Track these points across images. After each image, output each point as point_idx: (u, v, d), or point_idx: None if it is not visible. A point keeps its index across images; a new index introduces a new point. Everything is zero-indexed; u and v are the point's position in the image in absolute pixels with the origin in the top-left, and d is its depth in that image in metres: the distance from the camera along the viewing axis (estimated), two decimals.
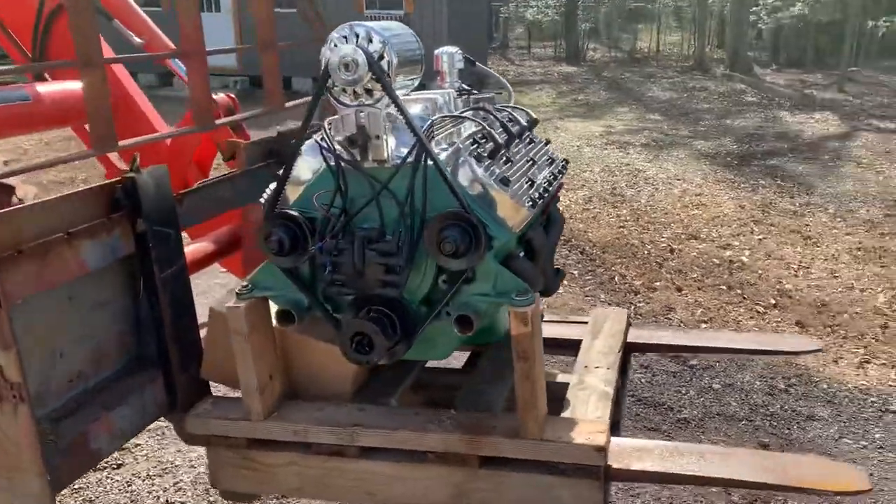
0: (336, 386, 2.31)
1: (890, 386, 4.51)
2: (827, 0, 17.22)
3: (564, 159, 2.51)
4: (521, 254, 2.08)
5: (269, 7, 2.75)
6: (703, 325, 5.44)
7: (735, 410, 4.24)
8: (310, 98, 3.18)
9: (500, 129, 2.19)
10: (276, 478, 2.21)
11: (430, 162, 1.89)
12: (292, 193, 2.13)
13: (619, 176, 9.68)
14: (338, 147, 1.94)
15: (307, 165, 2.14)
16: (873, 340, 5.17)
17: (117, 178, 2.16)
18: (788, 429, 4.06)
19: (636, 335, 2.73)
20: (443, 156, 1.94)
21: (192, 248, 2.71)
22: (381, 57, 1.88)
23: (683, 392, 4.45)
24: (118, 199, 2.12)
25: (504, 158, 2.08)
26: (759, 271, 6.51)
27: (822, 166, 10.30)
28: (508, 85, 2.77)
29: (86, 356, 2.15)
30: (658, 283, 6.23)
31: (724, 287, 6.16)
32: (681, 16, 25.29)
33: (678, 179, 9.57)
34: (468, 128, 2.21)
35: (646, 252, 6.98)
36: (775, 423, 4.11)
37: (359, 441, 2.08)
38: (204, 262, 2.78)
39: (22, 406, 1.80)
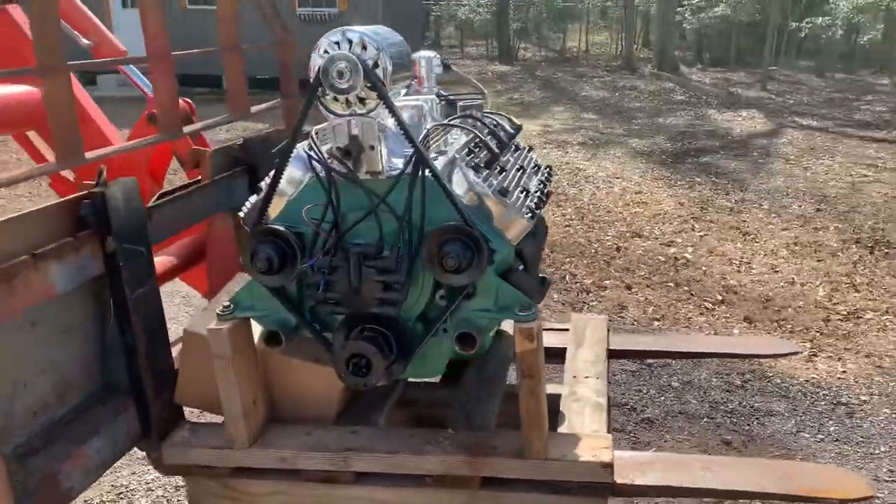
0: (321, 408, 2.20)
1: (839, 379, 4.65)
2: (748, 1, 17.76)
3: (548, 166, 2.47)
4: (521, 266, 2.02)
5: (232, 7, 2.61)
6: (656, 323, 5.51)
7: (696, 409, 4.29)
8: (274, 102, 3.09)
9: (490, 137, 2.13)
10: None
11: (427, 173, 1.81)
12: (273, 207, 2.02)
13: (560, 175, 9.75)
14: (328, 158, 1.84)
15: (288, 177, 2.03)
16: (818, 334, 5.33)
17: (82, 193, 2.00)
18: (749, 425, 4.13)
19: (617, 342, 2.71)
20: (437, 165, 1.87)
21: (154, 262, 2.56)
22: (376, 65, 1.78)
23: (644, 391, 4.48)
24: (84, 215, 1.97)
25: (498, 168, 2.01)
26: (704, 268, 6.64)
27: (752, 163, 10.62)
28: (484, 89, 2.71)
29: (50, 386, 2.00)
30: (608, 282, 6.29)
31: (672, 284, 6.26)
32: (607, 15, 25.74)
33: (617, 178, 9.71)
34: (456, 136, 2.14)
35: (593, 251, 7.04)
36: (736, 420, 4.18)
37: (353, 466, 1.98)
38: (165, 276, 2.63)
39: None
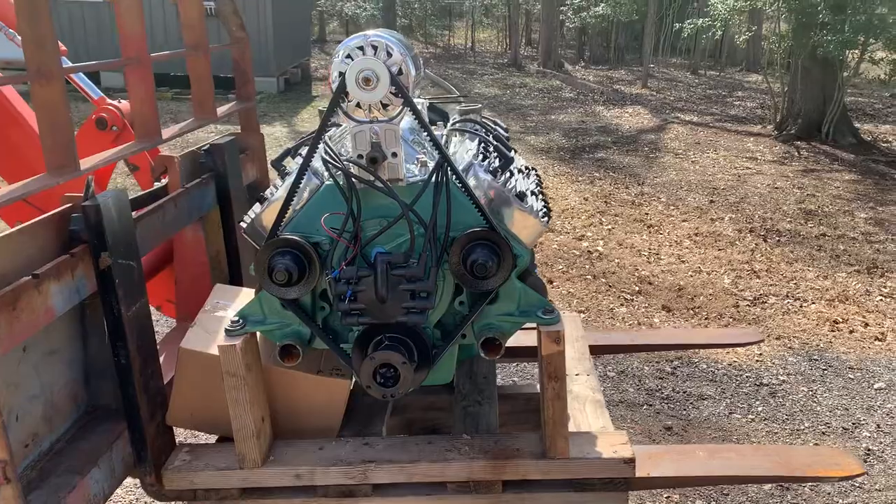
0: (324, 420, 2.15)
1: (757, 361, 4.96)
2: (626, 1, 18.52)
3: (533, 168, 2.50)
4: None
5: (199, 7, 2.48)
6: (583, 315, 5.68)
7: (634, 397, 4.47)
8: (232, 105, 2.96)
9: (495, 142, 2.13)
10: None
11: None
12: (268, 216, 1.95)
13: None
14: (348, 165, 1.79)
15: (285, 186, 1.97)
16: (731, 319, 5.66)
17: (68, 206, 1.86)
18: (685, 410, 4.34)
19: (592, 338, 2.78)
20: None
21: None
22: (400, 71, 1.76)
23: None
24: (77, 230, 1.83)
25: (510, 172, 2.02)
26: (616, 260, 6.90)
27: (644, 158, 11.11)
28: (457, 92, 2.71)
29: (40, 414, 1.85)
30: None
31: (590, 277, 6.47)
32: (492, 13, 26.17)
33: None
34: (461, 141, 2.14)
35: None
36: (673, 406, 4.38)
37: (372, 479, 1.95)
38: None
39: (7, 489, 1.50)
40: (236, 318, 1.91)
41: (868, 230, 7.80)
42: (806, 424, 4.20)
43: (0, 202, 1.56)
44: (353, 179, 1.78)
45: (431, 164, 1.88)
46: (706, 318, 5.66)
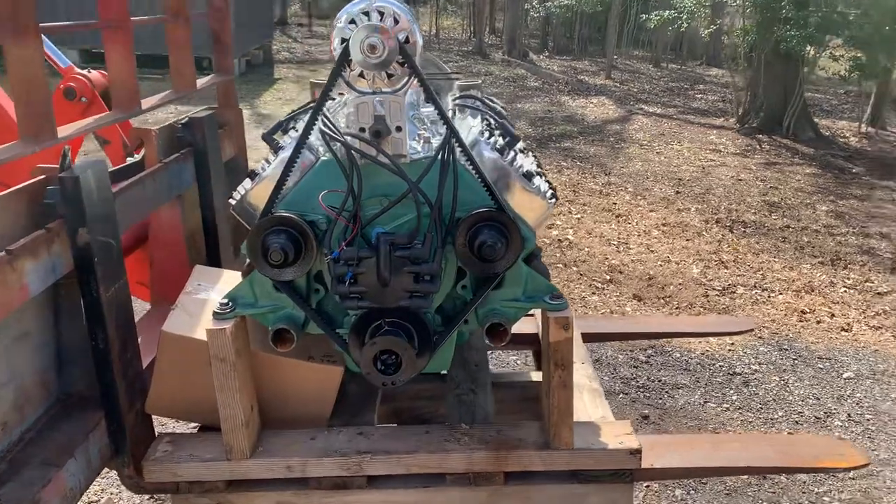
0: (315, 409, 2.05)
1: (729, 351, 4.97)
2: None
3: (530, 148, 2.42)
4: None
5: None
6: None
7: (610, 385, 4.44)
8: (209, 78, 2.82)
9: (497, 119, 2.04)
10: None
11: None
12: (257, 193, 1.84)
13: None
14: (349, 140, 1.69)
15: (277, 161, 1.86)
16: (702, 308, 5.67)
17: (42, 177, 1.73)
18: (661, 399, 4.33)
19: (584, 325, 2.72)
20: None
21: None
22: (407, 39, 1.65)
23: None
24: (52, 203, 1.70)
25: (514, 151, 1.93)
26: (587, 248, 6.88)
27: (610, 148, 11.13)
28: (448, 70, 2.61)
29: (10, 402, 1.72)
30: None
31: (562, 265, 6.43)
32: (456, 1, 26.01)
33: None
34: (462, 118, 2.04)
35: None
36: (648, 395, 4.36)
37: (368, 470, 1.85)
38: None
39: None
40: (225, 301, 1.80)
41: (830, 223, 7.92)
42: (779, 414, 4.22)
43: None
44: (355, 155, 1.67)
45: (435, 141, 1.78)
46: (677, 308, 5.67)
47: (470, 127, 1.96)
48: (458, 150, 1.68)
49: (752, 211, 8.21)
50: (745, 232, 7.51)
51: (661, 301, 5.79)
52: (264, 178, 1.82)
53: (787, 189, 9.16)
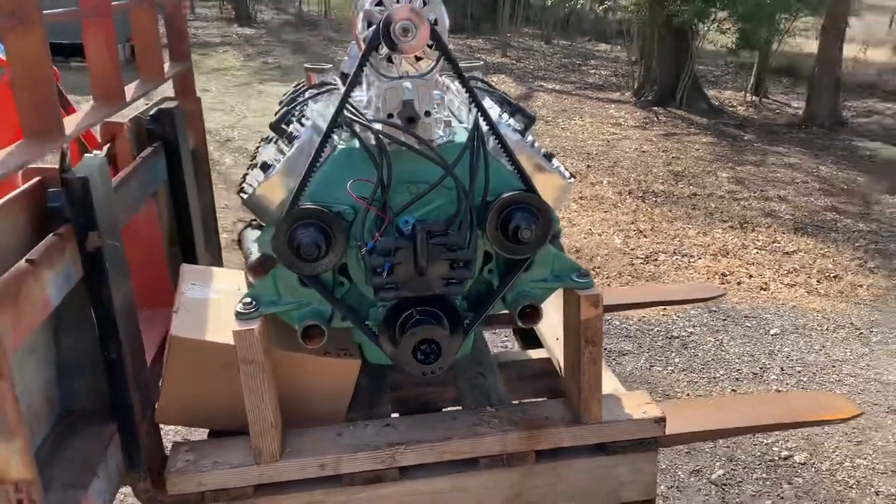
0: (332, 404, 2.00)
1: (663, 316, 5.18)
2: None
3: None
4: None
5: None
6: None
7: None
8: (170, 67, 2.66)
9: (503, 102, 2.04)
10: None
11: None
12: (270, 188, 1.77)
13: None
14: (379, 126, 1.64)
15: (277, 150, 1.79)
16: (630, 277, 5.88)
17: (38, 179, 1.60)
18: (610, 366, 4.45)
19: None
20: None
21: None
22: (436, 21, 1.62)
23: (500, 345, 4.64)
24: (58, 207, 1.57)
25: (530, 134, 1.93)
26: None
27: None
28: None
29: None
30: None
31: None
32: None
33: None
34: (454, 101, 2.02)
35: None
36: None
37: (402, 461, 1.83)
38: None
39: None
40: (248, 300, 1.72)
41: (732, 188, 8.35)
42: (720, 372, 4.45)
43: None
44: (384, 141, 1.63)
45: (457, 125, 1.76)
46: (607, 278, 5.85)
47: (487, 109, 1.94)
48: (490, 134, 1.67)
49: (660, 181, 8.54)
50: (656, 201, 7.81)
51: (593, 272, 5.93)
52: (278, 169, 1.75)
53: (688, 158, 9.57)
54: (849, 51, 12.15)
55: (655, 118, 11.85)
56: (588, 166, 9.06)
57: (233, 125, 10.04)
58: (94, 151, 2.29)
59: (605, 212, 7.44)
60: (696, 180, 8.59)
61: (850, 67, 13.57)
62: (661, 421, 1.91)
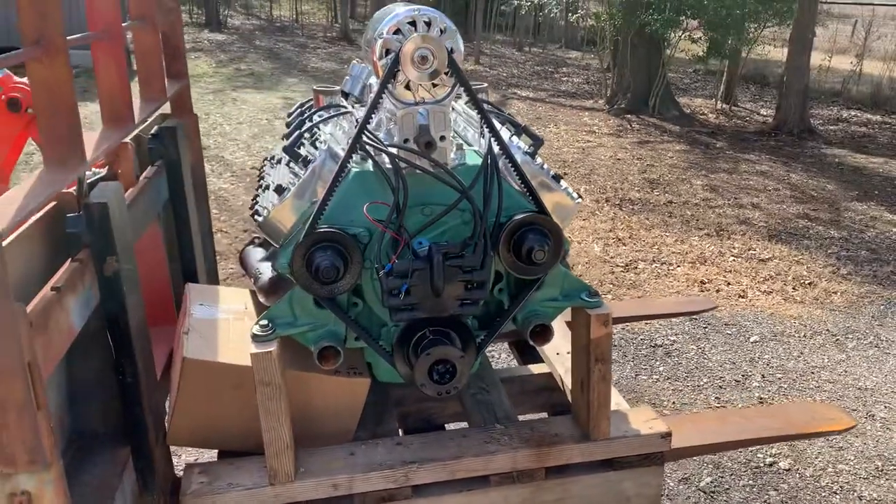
0: (342, 423, 2.01)
1: (645, 324, 5.26)
2: None
3: None
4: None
5: None
6: None
7: None
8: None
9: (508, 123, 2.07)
10: None
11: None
12: (282, 210, 1.79)
13: None
14: (394, 151, 1.67)
15: (289, 174, 1.81)
16: (612, 286, 5.95)
17: (55, 204, 1.60)
18: None
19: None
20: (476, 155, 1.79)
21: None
22: (452, 49, 1.65)
23: (496, 356, 4.68)
24: (77, 232, 1.57)
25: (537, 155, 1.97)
26: None
27: None
28: None
29: None
30: None
31: None
32: None
33: None
34: (467, 120, 2.05)
35: None
36: None
37: (415, 479, 1.85)
38: None
39: None
40: (265, 322, 1.73)
41: (707, 196, 8.49)
42: (704, 381, 4.53)
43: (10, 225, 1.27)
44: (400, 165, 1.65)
45: (469, 148, 1.79)
46: None
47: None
48: (501, 157, 1.70)
49: (637, 189, 8.66)
50: (633, 209, 7.92)
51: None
52: (292, 193, 1.76)
53: (662, 166, 9.71)
54: (814, 59, 12.41)
55: (629, 126, 11.99)
56: (564, 174, 9.13)
57: (208, 133, 9.95)
58: (95, 170, 2.29)
59: (583, 220, 7.52)
60: (671, 188, 8.72)
61: (816, 75, 13.85)
62: (667, 436, 1.95)
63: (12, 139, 2.49)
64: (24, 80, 2.65)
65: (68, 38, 1.70)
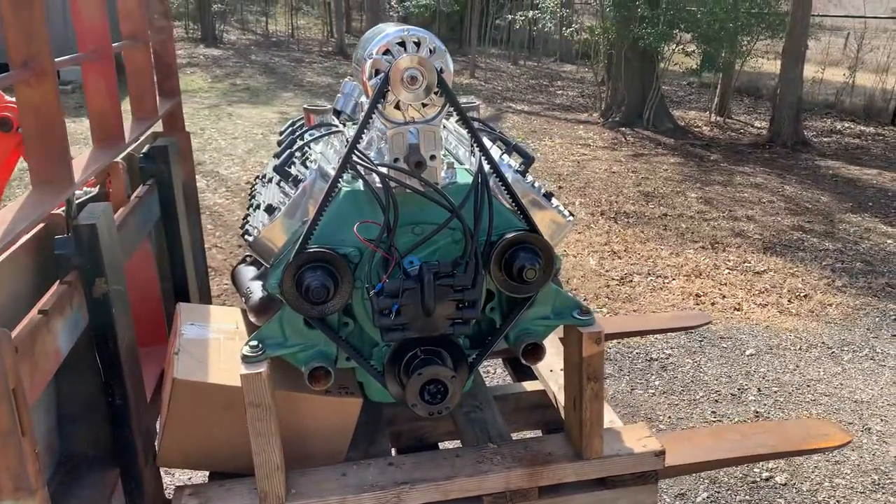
0: (333, 444, 2.00)
1: (641, 338, 5.24)
2: None
3: None
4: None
5: None
6: None
7: None
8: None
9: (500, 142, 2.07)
10: None
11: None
12: (272, 230, 1.79)
13: None
14: (384, 170, 1.66)
15: (278, 193, 1.80)
16: (607, 299, 5.95)
17: (43, 226, 1.59)
18: None
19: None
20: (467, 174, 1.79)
21: None
22: (442, 69, 1.65)
23: (491, 371, 4.67)
24: (66, 254, 1.56)
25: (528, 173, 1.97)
26: None
27: None
28: None
29: None
30: None
31: None
32: (311, 1, 25.65)
33: None
34: (459, 139, 2.05)
35: None
36: None
37: (408, 500, 1.84)
38: None
39: None
40: (255, 343, 1.72)
41: (701, 209, 8.50)
42: (700, 394, 4.52)
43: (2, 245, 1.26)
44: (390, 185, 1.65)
45: (458, 167, 1.79)
46: (585, 300, 5.91)
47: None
48: (492, 175, 1.70)
49: (631, 201, 8.67)
50: (628, 222, 7.93)
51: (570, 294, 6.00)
52: (283, 212, 1.76)
53: (657, 179, 9.73)
54: (807, 71, 12.48)
55: (623, 139, 12.03)
56: (560, 187, 9.16)
57: (203, 148, 9.96)
58: (86, 189, 2.28)
59: (579, 233, 7.52)
60: (666, 201, 8.73)
61: (810, 87, 13.92)
62: (661, 454, 1.94)
63: (4, 158, 2.48)
64: (13, 98, 2.65)
65: (57, 59, 1.70)
